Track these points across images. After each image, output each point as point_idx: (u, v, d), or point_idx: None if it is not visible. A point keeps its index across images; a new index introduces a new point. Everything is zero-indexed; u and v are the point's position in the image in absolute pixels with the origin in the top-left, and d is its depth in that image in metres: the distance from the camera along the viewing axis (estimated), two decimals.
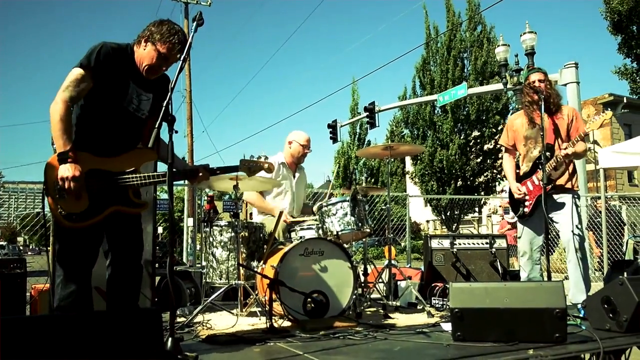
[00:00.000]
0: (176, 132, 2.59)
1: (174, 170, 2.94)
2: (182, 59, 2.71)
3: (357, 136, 29.35)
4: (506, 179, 4.61)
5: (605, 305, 3.14)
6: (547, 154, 4.13)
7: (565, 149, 4.07)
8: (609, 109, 4.42)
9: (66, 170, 2.62)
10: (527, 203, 4.31)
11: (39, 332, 2.11)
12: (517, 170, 4.48)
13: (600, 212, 9.96)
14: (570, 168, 4.26)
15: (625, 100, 25.87)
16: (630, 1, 14.42)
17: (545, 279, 4.21)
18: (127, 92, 2.89)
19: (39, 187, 7.82)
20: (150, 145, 2.50)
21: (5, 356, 1.91)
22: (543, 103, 4.01)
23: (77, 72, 2.75)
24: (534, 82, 4.28)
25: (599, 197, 10.19)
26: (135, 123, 2.99)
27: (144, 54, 2.88)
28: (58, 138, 2.67)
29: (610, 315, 3.11)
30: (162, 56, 2.88)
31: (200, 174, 3.04)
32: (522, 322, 2.81)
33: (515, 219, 4.55)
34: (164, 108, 2.54)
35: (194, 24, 2.67)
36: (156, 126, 2.51)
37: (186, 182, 10.68)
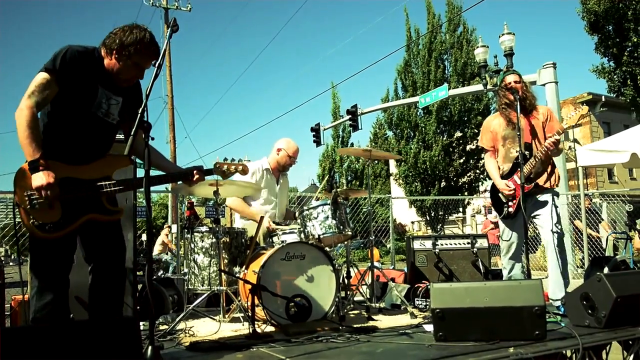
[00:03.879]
0: (152, 138, 2.57)
1: (170, 173, 3.04)
2: (156, 65, 2.66)
3: (340, 139, 29.45)
4: (489, 179, 4.63)
5: (584, 302, 3.19)
6: (526, 153, 4.17)
7: (550, 137, 4.09)
8: (585, 105, 4.44)
9: (40, 179, 2.55)
10: (510, 203, 4.35)
11: (15, 344, 2.08)
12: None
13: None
14: (549, 168, 4.31)
15: (603, 99, 26.31)
16: (606, 2, 14.65)
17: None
18: (95, 96, 2.82)
19: None
20: (126, 153, 2.47)
21: None
22: (519, 103, 4.06)
23: (42, 76, 2.66)
24: (509, 83, 4.32)
25: (579, 195, 10.32)
26: (105, 128, 2.92)
27: (119, 67, 2.81)
28: (26, 146, 2.58)
29: (589, 311, 3.15)
30: (139, 67, 2.86)
31: (197, 176, 3.04)
32: (503, 321, 2.84)
33: (498, 218, 4.59)
34: (139, 115, 2.50)
35: (169, 30, 2.66)
36: (132, 134, 2.48)
37: (168, 187, 10.66)
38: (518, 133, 4.01)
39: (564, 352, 2.85)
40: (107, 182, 2.79)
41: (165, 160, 3.20)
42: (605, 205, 11.73)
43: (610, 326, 3.04)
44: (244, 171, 3.46)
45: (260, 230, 4.16)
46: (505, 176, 4.39)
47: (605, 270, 5.48)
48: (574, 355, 2.89)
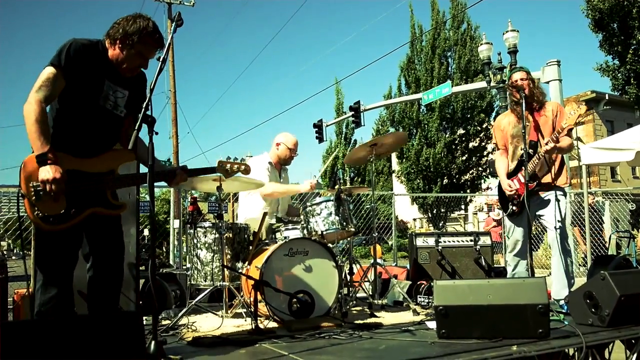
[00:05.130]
0: (156, 133, 2.56)
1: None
2: (161, 59, 2.66)
3: (343, 135, 29.46)
4: (491, 177, 4.62)
5: (588, 300, 3.18)
6: (530, 151, 4.15)
7: (546, 144, 4.08)
8: (584, 104, 4.38)
9: (47, 173, 2.56)
10: (515, 201, 4.34)
11: (19, 338, 2.08)
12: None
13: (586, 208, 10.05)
14: (557, 165, 4.28)
15: (607, 97, 26.19)
16: None
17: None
18: (102, 89, 2.83)
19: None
20: (130, 147, 2.47)
21: None
22: (523, 101, 4.04)
23: (49, 71, 2.67)
24: (515, 80, 4.30)
25: (582, 193, 10.29)
26: (112, 121, 2.93)
27: (123, 56, 2.82)
28: (35, 140, 2.59)
29: (593, 310, 3.14)
30: (143, 56, 2.85)
31: (178, 176, 3.02)
32: (506, 319, 2.83)
33: (501, 216, 4.59)
34: (143, 109, 2.50)
35: (173, 24, 2.66)
36: (135, 128, 2.48)
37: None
38: (523, 131, 4.00)
39: (567, 350, 2.85)
40: (111, 177, 2.79)
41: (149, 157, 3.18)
42: (608, 203, 11.69)
43: (613, 325, 3.03)
44: (247, 171, 3.48)
45: (264, 225, 4.16)
46: (510, 174, 4.38)
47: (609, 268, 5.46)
48: (576, 353, 2.89)
